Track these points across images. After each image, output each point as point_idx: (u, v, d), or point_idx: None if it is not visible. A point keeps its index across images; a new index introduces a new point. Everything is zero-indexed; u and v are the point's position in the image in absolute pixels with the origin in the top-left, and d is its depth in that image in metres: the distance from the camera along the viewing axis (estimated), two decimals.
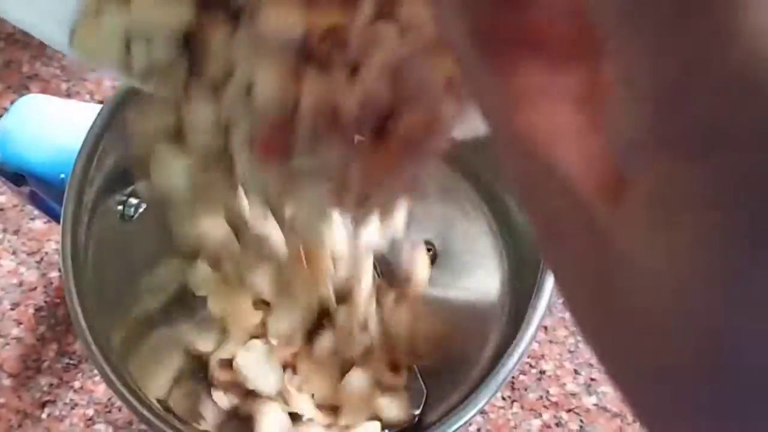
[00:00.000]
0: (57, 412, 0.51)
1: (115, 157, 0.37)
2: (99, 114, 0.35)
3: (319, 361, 0.40)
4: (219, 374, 0.40)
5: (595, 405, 0.49)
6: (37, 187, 0.41)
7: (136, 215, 0.39)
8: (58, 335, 0.54)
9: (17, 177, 0.41)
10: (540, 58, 0.12)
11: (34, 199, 0.46)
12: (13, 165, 0.40)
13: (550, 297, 0.32)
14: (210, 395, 0.41)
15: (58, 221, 0.48)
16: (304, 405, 0.39)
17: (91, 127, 0.35)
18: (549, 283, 0.32)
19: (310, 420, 0.38)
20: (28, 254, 0.56)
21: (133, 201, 0.39)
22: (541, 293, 0.32)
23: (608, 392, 0.49)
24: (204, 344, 0.41)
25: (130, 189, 0.39)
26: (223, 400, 0.41)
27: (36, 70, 0.61)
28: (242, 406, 0.40)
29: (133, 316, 0.39)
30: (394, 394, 0.39)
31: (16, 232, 0.57)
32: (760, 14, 0.08)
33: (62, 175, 0.37)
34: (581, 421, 0.49)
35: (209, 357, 0.41)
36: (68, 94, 0.60)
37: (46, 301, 0.54)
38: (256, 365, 0.39)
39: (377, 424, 0.38)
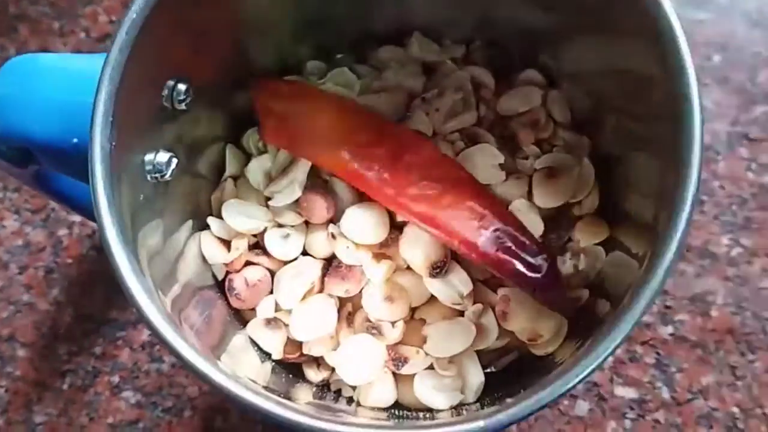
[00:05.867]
0: (79, 382, 0.46)
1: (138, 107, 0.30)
2: (110, 55, 0.28)
3: None
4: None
5: (671, 335, 0.44)
6: (46, 161, 0.34)
7: (168, 173, 0.32)
8: (73, 298, 0.48)
9: (21, 154, 0.33)
10: None
11: (40, 181, 0.38)
12: (16, 139, 0.32)
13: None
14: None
15: (68, 204, 0.42)
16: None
17: (104, 72, 0.27)
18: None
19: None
20: (33, 212, 0.50)
21: (163, 157, 0.32)
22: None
23: (686, 320, 0.44)
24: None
25: (160, 143, 0.32)
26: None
27: (23, 9, 0.54)
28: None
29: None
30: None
31: (17, 189, 0.50)
32: None
33: (75, 140, 0.31)
34: (657, 353, 0.44)
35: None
36: (61, 34, 0.53)
37: (56, 262, 0.49)
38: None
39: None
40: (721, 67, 0.49)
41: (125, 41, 0.28)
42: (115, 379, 0.46)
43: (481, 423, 0.25)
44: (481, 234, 0.33)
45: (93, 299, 0.48)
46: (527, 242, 0.34)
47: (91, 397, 0.46)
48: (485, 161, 0.36)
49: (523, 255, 0.33)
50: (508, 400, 0.26)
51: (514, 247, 0.33)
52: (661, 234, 0.26)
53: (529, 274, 0.33)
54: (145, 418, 0.45)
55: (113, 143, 0.28)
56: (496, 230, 0.33)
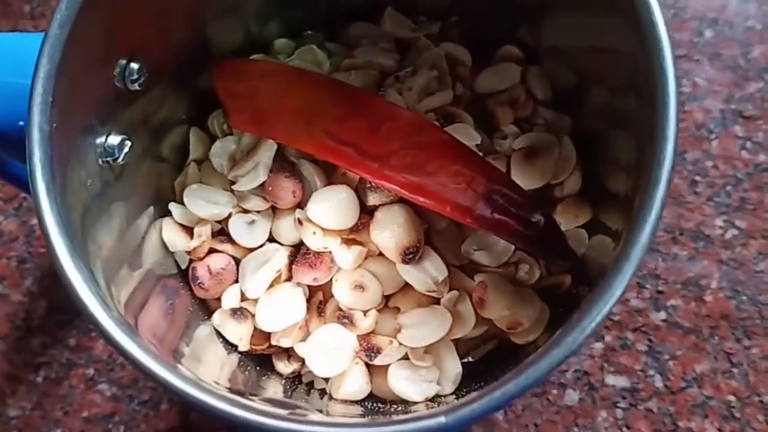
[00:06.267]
0: (53, 375, 0.44)
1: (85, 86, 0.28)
2: (49, 31, 0.26)
3: None
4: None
5: (664, 321, 0.42)
6: None
7: (121, 156, 0.30)
8: (47, 289, 0.46)
9: None
10: None
11: None
12: None
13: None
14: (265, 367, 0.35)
15: (25, 191, 0.40)
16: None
17: (42, 50, 0.26)
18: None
19: None
20: (5, 201, 0.48)
21: (115, 140, 0.30)
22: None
23: (679, 305, 0.42)
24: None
25: (115, 125, 0.30)
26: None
27: None
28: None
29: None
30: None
31: None
32: None
33: (21, 123, 0.29)
34: (650, 340, 0.42)
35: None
36: (32, 16, 0.52)
37: (29, 252, 0.47)
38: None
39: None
40: (713, 43, 0.47)
41: (65, 17, 0.26)
42: (90, 371, 0.44)
43: (441, 419, 0.23)
44: (472, 197, 0.31)
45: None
46: (521, 199, 0.32)
47: (65, 390, 0.44)
48: None
49: (519, 213, 0.31)
50: (473, 394, 0.24)
51: (509, 206, 0.31)
52: (637, 210, 0.24)
53: (529, 231, 0.31)
54: (121, 411, 0.43)
55: (54, 125, 0.26)
56: (487, 191, 0.31)
